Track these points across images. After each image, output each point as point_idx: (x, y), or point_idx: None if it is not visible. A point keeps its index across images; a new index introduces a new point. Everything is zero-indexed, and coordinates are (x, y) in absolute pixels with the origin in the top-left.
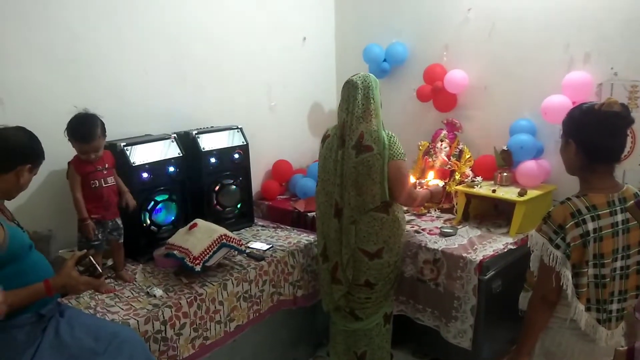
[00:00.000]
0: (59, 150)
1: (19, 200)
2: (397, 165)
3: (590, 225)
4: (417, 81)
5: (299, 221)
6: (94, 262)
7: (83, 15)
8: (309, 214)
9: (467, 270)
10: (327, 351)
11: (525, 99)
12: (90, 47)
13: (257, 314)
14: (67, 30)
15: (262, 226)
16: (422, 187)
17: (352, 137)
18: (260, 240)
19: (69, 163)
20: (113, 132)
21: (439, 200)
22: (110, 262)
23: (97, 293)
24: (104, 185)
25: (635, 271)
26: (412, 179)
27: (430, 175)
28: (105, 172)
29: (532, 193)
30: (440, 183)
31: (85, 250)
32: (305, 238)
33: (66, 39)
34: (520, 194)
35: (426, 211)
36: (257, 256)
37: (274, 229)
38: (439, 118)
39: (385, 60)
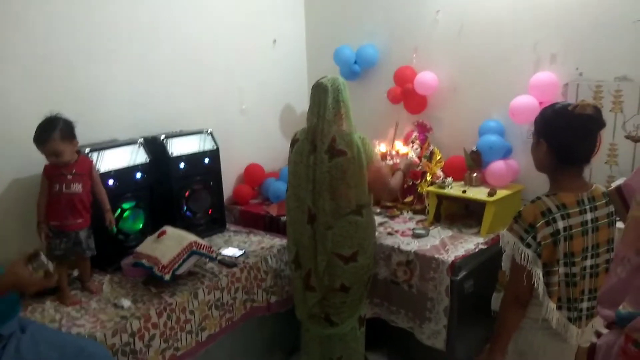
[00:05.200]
0: (22, 158)
1: None
2: (375, 168)
3: (561, 224)
4: (388, 83)
5: (272, 225)
6: (44, 261)
7: (49, 19)
8: (282, 218)
9: (440, 271)
10: (298, 359)
11: (494, 100)
12: (56, 51)
13: (230, 322)
14: (31, 34)
15: (235, 231)
16: (392, 158)
17: (324, 142)
18: (232, 246)
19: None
20: (79, 138)
21: (415, 169)
22: (76, 273)
23: (62, 305)
24: (64, 191)
25: (605, 269)
26: (382, 148)
27: (399, 145)
28: (69, 178)
29: (501, 193)
30: (410, 152)
31: (34, 249)
32: (278, 243)
33: (31, 43)
34: (490, 194)
35: (399, 213)
36: (229, 263)
37: (246, 234)
38: (410, 119)
39: (356, 62)
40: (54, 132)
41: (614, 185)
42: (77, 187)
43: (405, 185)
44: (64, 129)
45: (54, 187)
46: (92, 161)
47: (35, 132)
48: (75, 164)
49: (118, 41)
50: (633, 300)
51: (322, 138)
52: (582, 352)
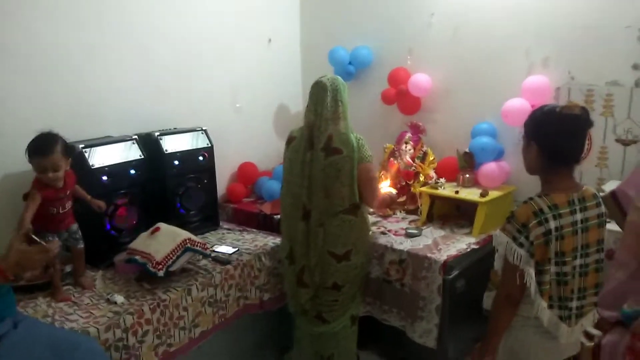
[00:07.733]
0: (15, 153)
1: None
2: (366, 167)
3: (552, 224)
4: (382, 84)
5: (265, 224)
6: (37, 239)
7: (43, 15)
8: (275, 216)
9: (432, 270)
10: (290, 356)
11: (487, 103)
12: (50, 47)
13: (223, 319)
14: (26, 29)
15: (228, 229)
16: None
17: (320, 139)
18: (225, 243)
19: (32, 183)
20: (72, 134)
21: (394, 204)
22: (69, 269)
23: (54, 301)
24: (61, 212)
25: (594, 269)
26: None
27: (385, 184)
28: (65, 199)
29: (493, 194)
30: (394, 191)
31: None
32: (271, 241)
33: (27, 40)
34: (482, 195)
35: (392, 213)
36: (222, 260)
37: (239, 232)
38: (404, 121)
39: (350, 63)
40: (56, 144)
41: (605, 188)
42: (69, 204)
43: (399, 185)
44: (65, 145)
45: (51, 210)
46: (74, 174)
47: (33, 143)
48: (67, 185)
49: (113, 39)
50: (638, 300)
51: (319, 135)
52: (586, 351)
